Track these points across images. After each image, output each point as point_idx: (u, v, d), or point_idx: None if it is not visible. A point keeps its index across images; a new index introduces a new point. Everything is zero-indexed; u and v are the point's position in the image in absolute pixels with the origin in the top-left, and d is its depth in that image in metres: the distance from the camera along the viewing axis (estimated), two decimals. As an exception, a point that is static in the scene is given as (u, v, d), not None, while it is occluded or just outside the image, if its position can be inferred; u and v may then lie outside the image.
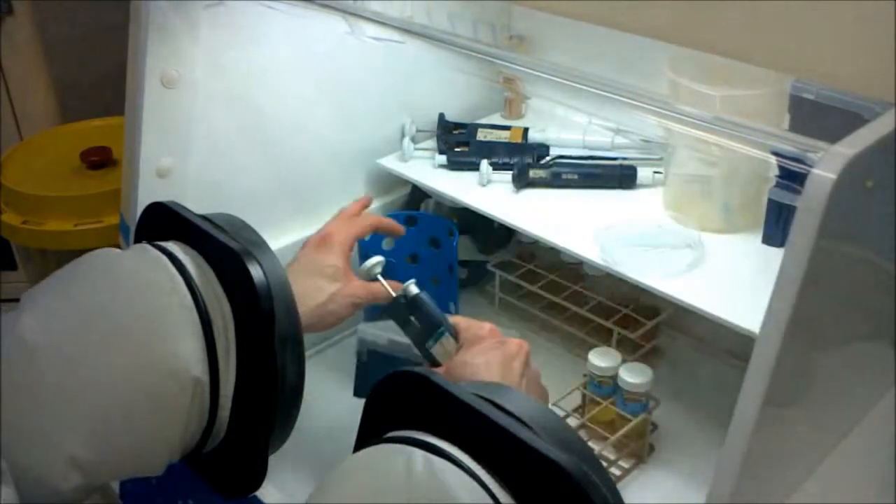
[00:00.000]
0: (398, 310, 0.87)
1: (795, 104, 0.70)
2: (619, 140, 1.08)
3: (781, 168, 0.57)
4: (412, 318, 0.86)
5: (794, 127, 0.68)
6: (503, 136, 1.12)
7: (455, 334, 0.84)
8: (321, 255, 0.89)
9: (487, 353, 0.76)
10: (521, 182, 1.02)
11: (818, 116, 0.67)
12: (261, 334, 0.69)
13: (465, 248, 1.13)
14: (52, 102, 2.07)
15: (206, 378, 0.68)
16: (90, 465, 0.62)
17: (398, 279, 1.04)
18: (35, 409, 0.61)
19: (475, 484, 0.53)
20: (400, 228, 0.99)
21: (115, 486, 0.95)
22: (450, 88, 1.17)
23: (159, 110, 0.90)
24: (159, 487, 0.95)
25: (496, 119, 1.20)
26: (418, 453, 0.55)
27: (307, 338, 0.73)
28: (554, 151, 1.09)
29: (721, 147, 0.62)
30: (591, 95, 0.69)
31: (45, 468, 0.60)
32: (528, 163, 1.04)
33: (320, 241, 0.90)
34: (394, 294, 0.88)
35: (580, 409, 0.98)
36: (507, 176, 1.03)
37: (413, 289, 0.87)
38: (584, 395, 0.98)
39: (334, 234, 0.90)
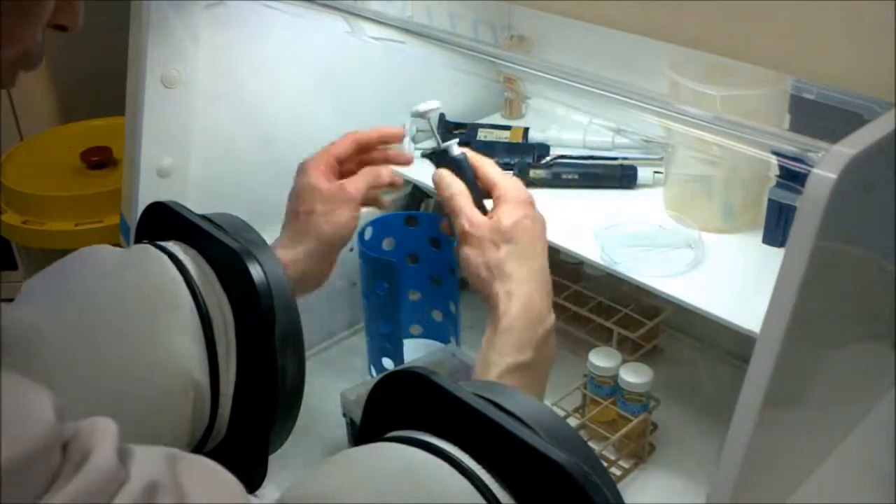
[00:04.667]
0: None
1: (795, 104, 0.70)
2: (620, 140, 1.08)
3: (782, 168, 0.57)
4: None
5: (795, 127, 0.68)
6: (503, 136, 1.12)
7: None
8: (295, 188, 0.83)
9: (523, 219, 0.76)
10: (522, 182, 1.01)
11: (818, 116, 0.67)
12: (261, 334, 0.69)
13: (465, 248, 1.13)
14: (52, 102, 2.07)
15: (206, 378, 0.68)
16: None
17: (398, 279, 1.05)
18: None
19: (471, 486, 0.53)
20: (394, 132, 0.89)
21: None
22: (450, 88, 1.17)
23: (159, 110, 0.90)
24: (159, 487, 0.94)
25: (496, 119, 1.20)
26: (418, 453, 0.55)
27: (307, 338, 0.73)
28: (554, 151, 1.09)
29: (721, 147, 0.62)
30: (591, 95, 0.69)
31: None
32: (528, 162, 1.04)
33: (301, 171, 0.84)
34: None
35: (580, 409, 0.98)
36: (507, 176, 1.03)
37: (455, 149, 0.82)
38: (584, 395, 0.98)
39: (309, 161, 0.84)
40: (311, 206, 0.81)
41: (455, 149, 0.82)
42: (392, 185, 0.87)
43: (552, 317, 0.76)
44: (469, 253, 0.76)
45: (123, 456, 0.42)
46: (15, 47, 0.45)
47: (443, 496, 0.52)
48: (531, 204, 0.78)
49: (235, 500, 0.47)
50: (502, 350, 0.71)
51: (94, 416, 0.43)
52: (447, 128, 1.14)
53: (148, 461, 0.43)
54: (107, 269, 0.71)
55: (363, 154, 0.87)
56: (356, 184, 0.83)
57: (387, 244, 1.08)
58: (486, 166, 0.81)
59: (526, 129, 1.13)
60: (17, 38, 0.45)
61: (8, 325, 0.38)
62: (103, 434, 0.41)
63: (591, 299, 1.08)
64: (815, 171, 0.51)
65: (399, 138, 0.89)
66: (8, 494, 0.35)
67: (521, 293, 0.73)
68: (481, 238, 0.76)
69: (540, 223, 0.78)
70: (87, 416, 0.62)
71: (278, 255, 0.77)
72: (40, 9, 0.46)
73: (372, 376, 1.08)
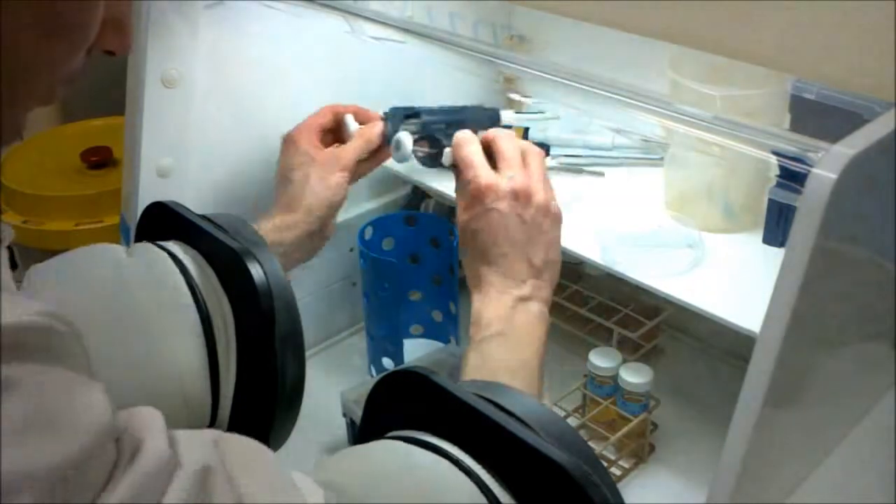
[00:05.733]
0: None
1: (795, 104, 0.71)
2: (620, 140, 1.08)
3: (782, 168, 0.57)
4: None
5: (795, 127, 0.68)
6: (503, 135, 1.12)
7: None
8: (285, 158, 0.86)
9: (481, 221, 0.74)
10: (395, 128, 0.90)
11: (818, 116, 0.67)
12: (261, 334, 0.69)
13: (465, 248, 1.13)
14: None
15: (206, 379, 0.68)
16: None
17: (398, 279, 1.05)
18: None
19: (473, 485, 0.53)
20: (372, 115, 0.90)
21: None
22: (450, 88, 1.17)
23: (159, 110, 0.90)
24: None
25: (496, 119, 1.20)
26: (420, 450, 0.55)
27: (307, 338, 0.73)
28: (554, 151, 1.09)
29: (721, 147, 0.62)
30: (591, 95, 0.69)
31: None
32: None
33: (284, 145, 0.87)
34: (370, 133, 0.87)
35: (580, 409, 0.98)
36: (508, 176, 1.03)
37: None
38: (584, 395, 0.98)
39: (292, 133, 0.87)
40: (306, 171, 0.84)
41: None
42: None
43: (535, 305, 0.73)
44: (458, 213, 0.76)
45: (171, 442, 0.43)
46: (59, 72, 0.46)
47: (446, 495, 0.52)
48: (489, 195, 0.73)
49: (276, 479, 0.48)
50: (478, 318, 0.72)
51: (136, 407, 0.44)
52: (447, 128, 1.14)
53: (196, 445, 0.44)
54: (107, 269, 0.71)
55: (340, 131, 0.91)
56: (349, 150, 0.86)
57: (387, 244, 1.08)
58: (497, 141, 0.76)
59: (526, 129, 1.13)
60: (61, 63, 0.46)
61: (51, 323, 0.39)
62: (151, 423, 0.43)
63: (591, 299, 1.08)
64: (815, 171, 0.51)
65: (374, 119, 0.90)
66: (73, 488, 0.36)
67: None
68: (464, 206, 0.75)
69: (499, 220, 0.73)
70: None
71: (273, 224, 0.81)
72: (84, 36, 0.46)
73: (372, 376, 1.08)
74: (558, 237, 0.76)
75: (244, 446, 0.48)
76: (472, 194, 0.74)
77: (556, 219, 0.76)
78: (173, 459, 0.42)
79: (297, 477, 0.49)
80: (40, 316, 0.38)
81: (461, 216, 0.75)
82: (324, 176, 0.84)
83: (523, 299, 0.72)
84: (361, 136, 0.87)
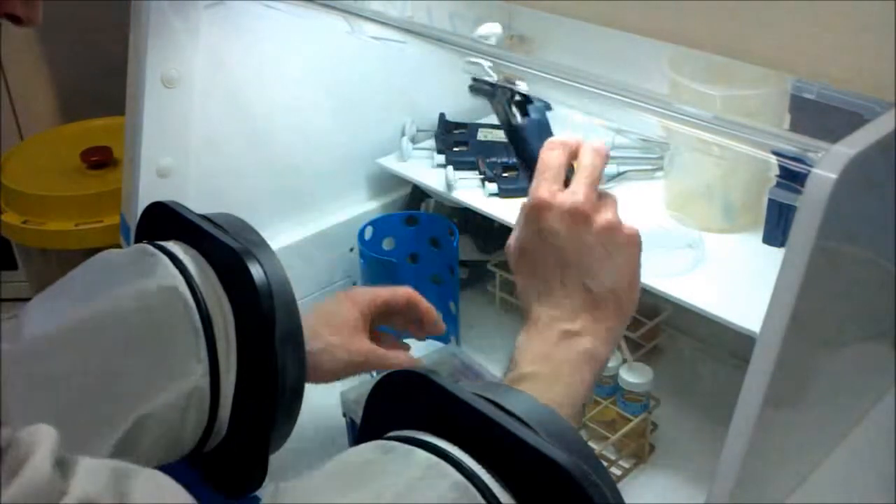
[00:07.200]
0: None
1: (795, 104, 0.71)
2: (620, 140, 1.08)
3: (782, 168, 0.57)
4: None
5: (795, 127, 0.68)
6: (503, 135, 1.12)
7: None
8: (337, 304, 0.83)
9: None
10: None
11: (818, 116, 0.67)
12: (261, 334, 0.69)
13: (465, 248, 1.13)
14: (52, 102, 2.07)
15: (206, 378, 0.68)
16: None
17: (399, 279, 1.04)
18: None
19: (470, 486, 0.53)
20: (432, 317, 0.87)
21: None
22: (450, 88, 1.17)
23: (159, 110, 0.90)
24: (159, 487, 0.94)
25: (496, 119, 1.20)
26: (419, 452, 0.55)
27: (307, 338, 0.73)
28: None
29: (721, 147, 0.62)
30: (591, 95, 0.69)
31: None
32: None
33: (346, 293, 0.83)
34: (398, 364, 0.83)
35: (580, 409, 0.98)
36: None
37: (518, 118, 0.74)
38: (584, 395, 0.97)
39: (360, 289, 0.84)
40: (324, 341, 0.79)
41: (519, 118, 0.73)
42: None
43: (585, 342, 0.64)
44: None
45: (66, 467, 0.40)
46: None
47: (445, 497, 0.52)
48: (544, 213, 0.65)
49: None
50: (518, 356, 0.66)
51: (36, 424, 0.41)
52: (447, 128, 1.14)
53: (91, 475, 0.41)
54: (107, 270, 0.71)
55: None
56: (373, 357, 0.83)
57: (387, 244, 1.08)
58: (581, 151, 0.68)
59: (528, 129, 1.13)
60: None
61: None
62: (40, 443, 0.39)
63: (591, 299, 1.08)
64: (815, 171, 0.51)
65: (440, 332, 0.88)
66: None
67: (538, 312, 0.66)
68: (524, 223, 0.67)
69: (552, 241, 0.65)
70: (88, 422, 0.62)
71: None
72: None
73: (372, 376, 1.08)
74: (633, 263, 0.67)
75: (155, 484, 0.44)
76: (527, 211, 0.66)
77: (631, 242, 0.66)
78: (59, 484, 0.39)
79: None
80: None
81: (513, 234, 0.68)
82: (332, 361, 0.80)
83: (570, 334, 0.64)
84: (383, 364, 0.82)
